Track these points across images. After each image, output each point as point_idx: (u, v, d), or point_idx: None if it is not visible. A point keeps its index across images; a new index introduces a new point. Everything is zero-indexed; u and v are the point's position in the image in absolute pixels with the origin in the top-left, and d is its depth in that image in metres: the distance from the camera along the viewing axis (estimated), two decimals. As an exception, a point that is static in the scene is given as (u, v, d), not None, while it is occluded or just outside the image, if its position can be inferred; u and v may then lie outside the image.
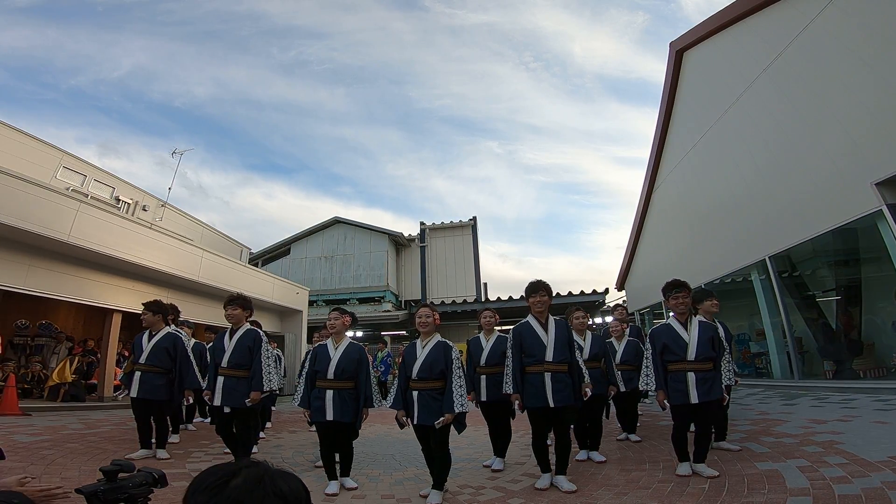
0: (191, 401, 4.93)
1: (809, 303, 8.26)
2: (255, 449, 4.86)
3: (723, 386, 3.59)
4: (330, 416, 3.60)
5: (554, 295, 4.13)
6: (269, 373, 4.18)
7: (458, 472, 4.00)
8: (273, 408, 7.10)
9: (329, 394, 3.65)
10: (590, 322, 4.86)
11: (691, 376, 3.54)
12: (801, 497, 2.79)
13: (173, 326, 4.91)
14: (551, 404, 3.46)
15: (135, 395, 4.45)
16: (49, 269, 7.36)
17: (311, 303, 15.00)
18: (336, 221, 19.11)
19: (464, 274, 18.71)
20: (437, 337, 3.60)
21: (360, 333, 16.54)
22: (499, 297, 16.60)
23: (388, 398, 3.68)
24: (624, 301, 15.39)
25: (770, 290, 8.06)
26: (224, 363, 4.12)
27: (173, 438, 5.40)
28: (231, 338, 4.21)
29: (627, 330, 5.71)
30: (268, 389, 4.15)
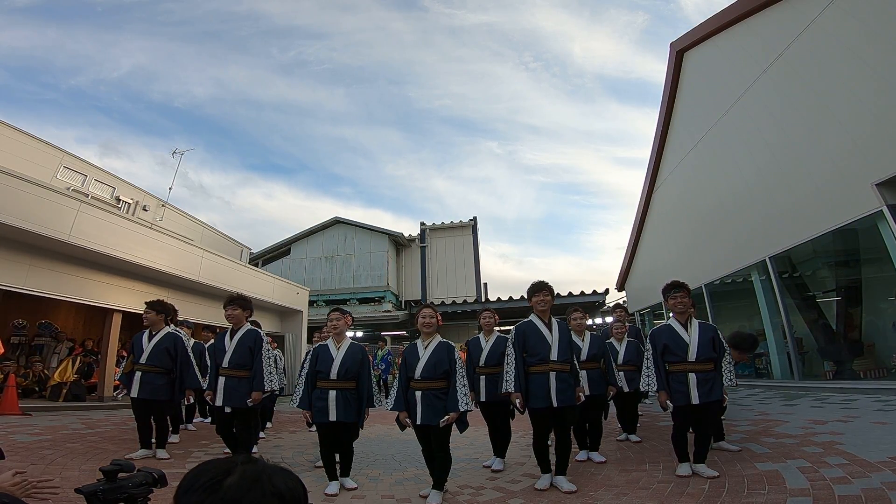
0: (191, 400, 4.93)
1: (810, 303, 8.25)
2: (255, 449, 4.86)
3: (723, 386, 3.59)
4: (333, 417, 3.60)
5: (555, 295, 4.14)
6: (270, 373, 4.18)
7: (457, 473, 3.99)
8: (273, 408, 7.10)
9: (332, 394, 3.65)
10: (589, 322, 4.86)
11: (692, 377, 3.53)
12: (802, 497, 2.78)
13: (173, 326, 4.91)
14: (555, 404, 3.46)
15: (135, 396, 4.45)
16: (49, 268, 7.36)
17: (311, 303, 15.00)
18: (336, 222, 19.12)
19: (464, 274, 18.71)
20: (438, 337, 3.60)
21: (360, 334, 16.55)
22: (499, 298, 16.62)
23: (388, 398, 3.68)
24: (624, 302, 15.39)
25: (770, 291, 8.05)
26: (225, 363, 4.13)
27: (173, 438, 5.39)
28: (232, 338, 4.22)
29: (627, 330, 5.71)
30: (268, 390, 4.15)
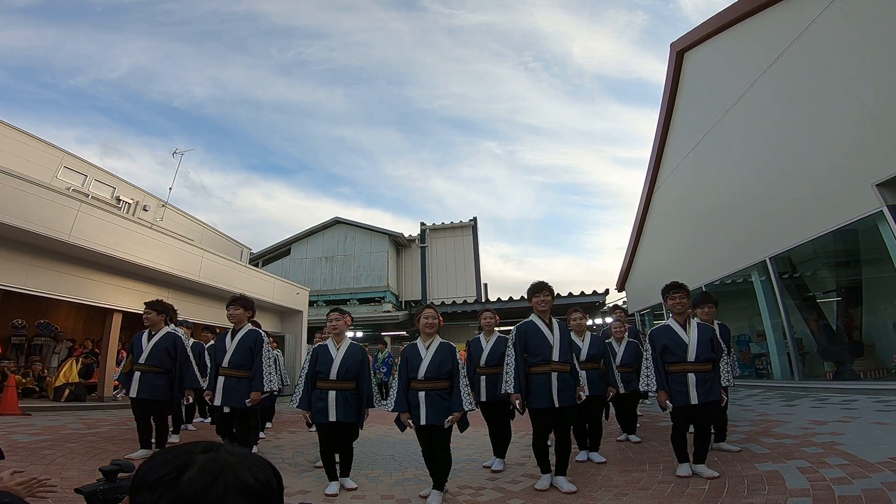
0: (190, 400, 4.92)
1: (810, 304, 8.26)
2: (255, 449, 4.87)
3: (722, 387, 3.59)
4: (333, 417, 3.60)
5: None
6: (270, 373, 4.18)
7: (457, 473, 3.99)
8: (274, 406, 7.10)
9: (332, 395, 3.65)
10: (588, 322, 4.86)
11: (691, 377, 3.54)
12: (802, 498, 2.78)
13: (172, 326, 4.91)
14: (557, 404, 3.46)
15: (134, 396, 4.44)
16: (49, 268, 7.36)
17: (311, 303, 15.00)
18: (336, 222, 19.12)
19: (464, 274, 18.71)
20: (440, 338, 3.60)
21: (360, 334, 16.55)
22: (499, 298, 16.61)
23: (388, 399, 3.67)
24: (624, 302, 15.39)
25: (770, 291, 8.05)
26: (225, 363, 4.13)
27: (173, 438, 5.39)
28: (233, 338, 4.23)
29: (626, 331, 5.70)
30: (267, 390, 4.16)
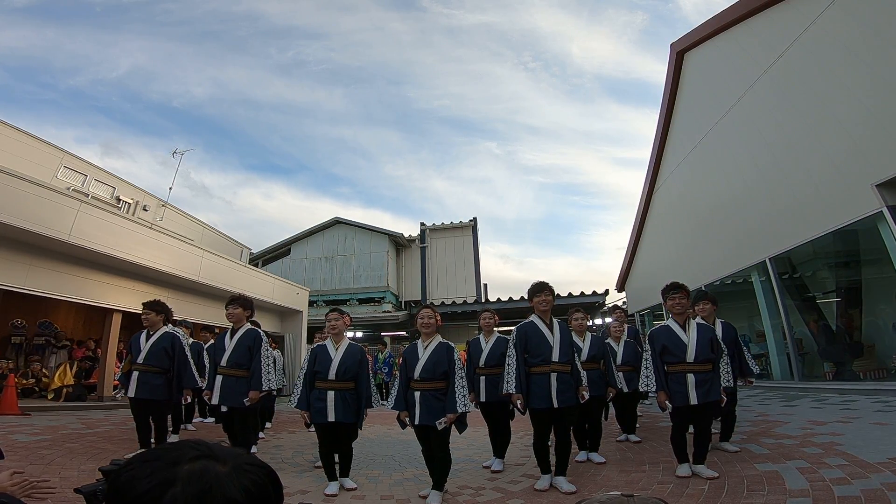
0: (189, 400, 4.92)
1: (810, 304, 8.25)
2: (254, 449, 4.86)
3: (721, 387, 3.59)
4: (332, 418, 3.60)
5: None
6: (269, 372, 4.19)
7: (457, 473, 3.99)
8: (274, 407, 7.10)
9: (330, 395, 3.65)
10: (589, 323, 4.86)
11: (691, 378, 3.53)
12: (801, 498, 2.78)
13: (171, 326, 4.91)
14: (556, 405, 3.46)
15: (133, 396, 4.44)
16: (49, 268, 7.36)
17: (311, 303, 15.00)
18: (336, 222, 19.12)
19: (464, 275, 18.71)
20: (439, 338, 3.60)
21: (359, 334, 16.54)
22: (499, 298, 16.61)
23: (388, 399, 3.68)
24: (623, 302, 15.39)
25: (770, 292, 8.05)
26: (223, 362, 4.14)
27: (172, 438, 5.39)
28: (232, 337, 4.23)
29: (626, 331, 5.71)
30: (266, 389, 4.16)
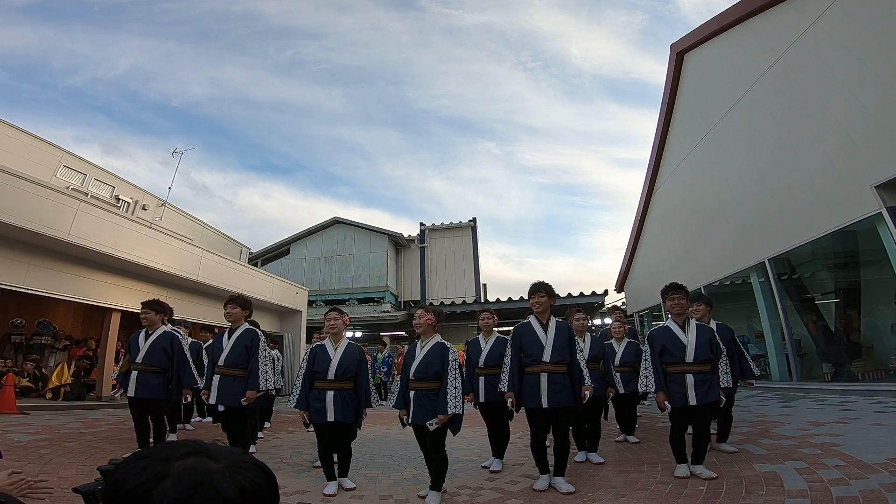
0: (188, 399, 4.92)
1: (809, 305, 8.26)
2: (252, 448, 4.86)
3: (720, 388, 3.59)
4: (331, 418, 3.60)
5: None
6: (266, 372, 4.19)
7: (456, 473, 4.00)
8: (272, 408, 7.10)
9: (329, 395, 3.65)
10: (589, 324, 4.86)
11: (690, 378, 3.54)
12: (800, 499, 2.79)
13: (170, 326, 4.90)
14: (545, 405, 3.46)
15: (132, 395, 4.44)
16: (48, 267, 7.36)
17: (310, 303, 14.99)
18: (336, 222, 19.11)
19: (463, 275, 18.71)
20: (437, 338, 3.60)
21: (358, 334, 16.54)
22: (498, 299, 16.61)
23: (388, 398, 3.69)
24: (623, 303, 15.39)
25: (769, 293, 8.06)
26: (221, 362, 4.14)
27: (171, 438, 5.38)
28: (230, 337, 4.23)
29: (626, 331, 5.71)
30: (263, 389, 4.16)
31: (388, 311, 16.61)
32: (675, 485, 3.34)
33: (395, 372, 11.62)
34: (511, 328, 3.93)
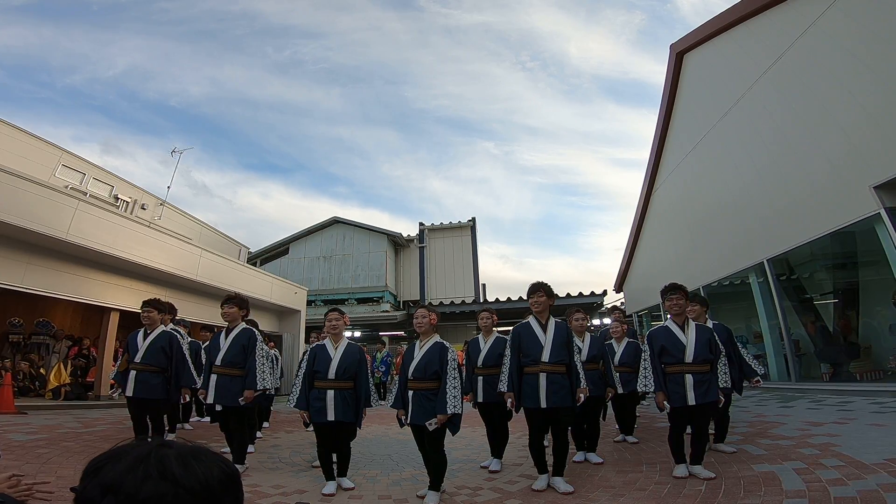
0: (187, 399, 4.91)
1: (807, 306, 8.27)
2: (251, 448, 4.86)
3: (719, 388, 3.59)
4: (331, 417, 3.60)
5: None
6: (263, 371, 4.18)
7: (455, 473, 4.00)
8: (271, 408, 7.09)
9: (330, 394, 3.65)
10: (589, 324, 4.86)
11: (689, 378, 3.54)
12: (798, 499, 2.79)
13: (171, 325, 4.89)
14: (543, 405, 3.46)
15: (130, 395, 4.43)
16: (47, 267, 7.34)
17: (309, 303, 14.98)
18: (335, 221, 19.10)
19: (462, 275, 18.71)
20: (436, 338, 3.60)
21: (357, 333, 16.53)
22: (497, 299, 16.61)
23: (387, 398, 3.70)
24: (622, 303, 15.40)
25: (768, 293, 8.07)
26: (218, 361, 4.15)
27: (170, 437, 5.37)
28: (227, 336, 4.23)
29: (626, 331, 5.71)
30: (261, 388, 4.15)
31: (387, 311, 16.60)
32: (674, 485, 3.35)
33: (394, 371, 11.62)
34: (510, 328, 3.92)
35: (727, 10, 8.33)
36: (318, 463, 3.88)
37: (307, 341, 11.68)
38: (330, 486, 3.58)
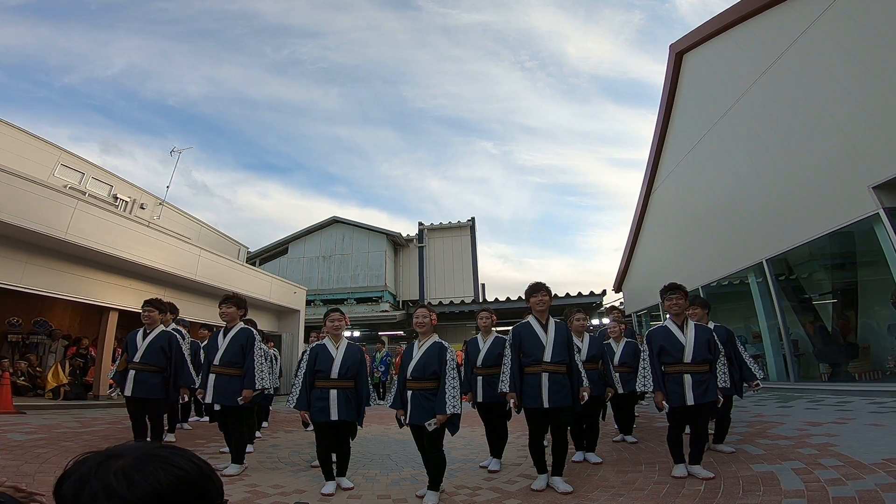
0: (186, 399, 4.91)
1: (806, 306, 8.28)
2: (250, 448, 4.85)
3: (718, 388, 3.60)
4: (335, 416, 3.60)
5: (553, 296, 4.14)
6: (262, 371, 4.18)
7: (454, 473, 4.00)
8: (269, 408, 7.09)
9: (333, 393, 3.65)
10: (588, 325, 4.86)
11: (688, 378, 3.54)
12: (796, 499, 2.79)
13: (173, 325, 4.88)
14: (546, 405, 3.46)
15: (129, 394, 4.42)
16: (46, 266, 7.33)
17: (308, 302, 14.98)
18: (334, 221, 19.09)
19: (462, 275, 18.72)
20: (435, 338, 3.60)
21: (357, 333, 16.52)
22: (496, 299, 16.61)
23: (386, 398, 3.70)
24: (621, 303, 15.41)
25: (767, 293, 8.08)
26: (216, 361, 4.15)
27: (169, 437, 5.38)
28: (225, 336, 4.23)
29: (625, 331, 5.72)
30: (259, 388, 4.15)
31: (386, 311, 16.59)
32: (673, 485, 3.35)
33: (394, 371, 11.63)
34: (509, 328, 3.92)
35: (727, 10, 8.34)
36: (317, 463, 3.88)
37: (306, 341, 11.68)
38: (329, 486, 3.58)
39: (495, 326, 4.68)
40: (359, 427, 3.91)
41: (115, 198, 11.26)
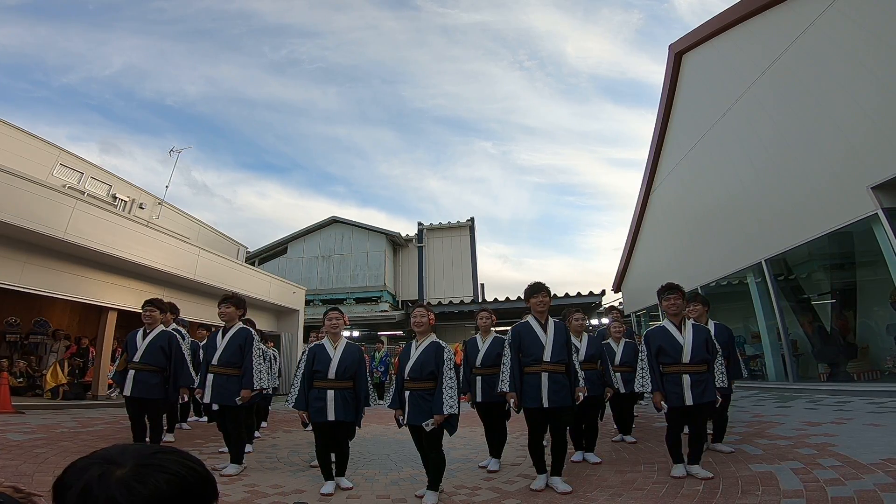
0: (185, 399, 4.90)
1: (805, 306, 8.29)
2: (249, 448, 4.85)
3: (716, 388, 3.61)
4: (332, 417, 3.60)
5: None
6: (260, 371, 4.18)
7: (453, 473, 4.00)
8: (269, 408, 7.09)
9: (330, 394, 3.65)
10: (587, 325, 4.87)
11: (686, 378, 3.55)
12: (795, 499, 2.80)
13: (173, 325, 4.88)
14: (546, 405, 3.46)
15: (129, 394, 4.42)
16: (44, 266, 7.32)
17: (307, 302, 14.97)
18: (333, 221, 19.08)
19: (461, 275, 18.71)
20: (432, 337, 3.60)
21: (356, 333, 16.52)
22: (496, 298, 16.61)
23: (385, 397, 3.70)
24: (620, 303, 15.42)
25: (766, 293, 8.08)
26: (215, 361, 4.15)
27: (168, 437, 5.38)
28: (223, 336, 4.23)
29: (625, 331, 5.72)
30: (258, 388, 4.15)
31: (385, 311, 16.59)
32: (672, 485, 3.35)
33: (393, 371, 11.63)
34: (508, 328, 3.92)
35: (726, 10, 8.34)
36: (316, 463, 3.88)
37: (306, 341, 11.67)
38: (328, 486, 3.58)
39: (494, 326, 4.69)
40: (357, 428, 3.91)
41: (114, 197, 11.24)
